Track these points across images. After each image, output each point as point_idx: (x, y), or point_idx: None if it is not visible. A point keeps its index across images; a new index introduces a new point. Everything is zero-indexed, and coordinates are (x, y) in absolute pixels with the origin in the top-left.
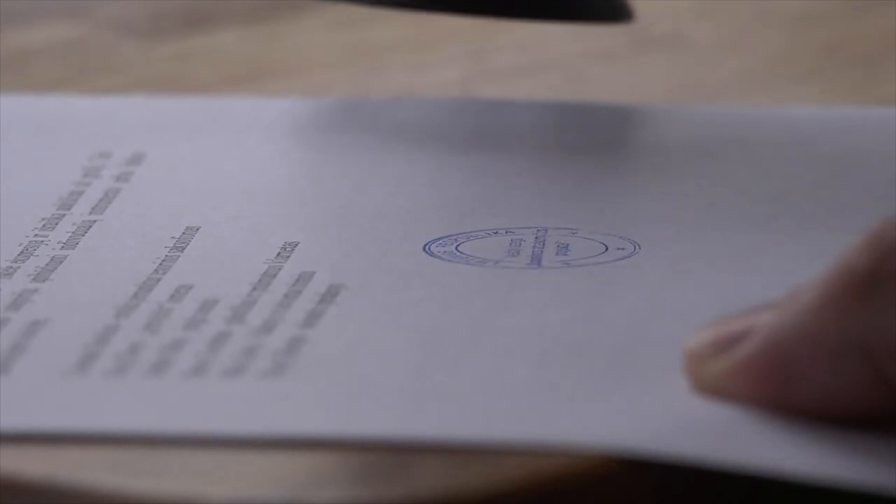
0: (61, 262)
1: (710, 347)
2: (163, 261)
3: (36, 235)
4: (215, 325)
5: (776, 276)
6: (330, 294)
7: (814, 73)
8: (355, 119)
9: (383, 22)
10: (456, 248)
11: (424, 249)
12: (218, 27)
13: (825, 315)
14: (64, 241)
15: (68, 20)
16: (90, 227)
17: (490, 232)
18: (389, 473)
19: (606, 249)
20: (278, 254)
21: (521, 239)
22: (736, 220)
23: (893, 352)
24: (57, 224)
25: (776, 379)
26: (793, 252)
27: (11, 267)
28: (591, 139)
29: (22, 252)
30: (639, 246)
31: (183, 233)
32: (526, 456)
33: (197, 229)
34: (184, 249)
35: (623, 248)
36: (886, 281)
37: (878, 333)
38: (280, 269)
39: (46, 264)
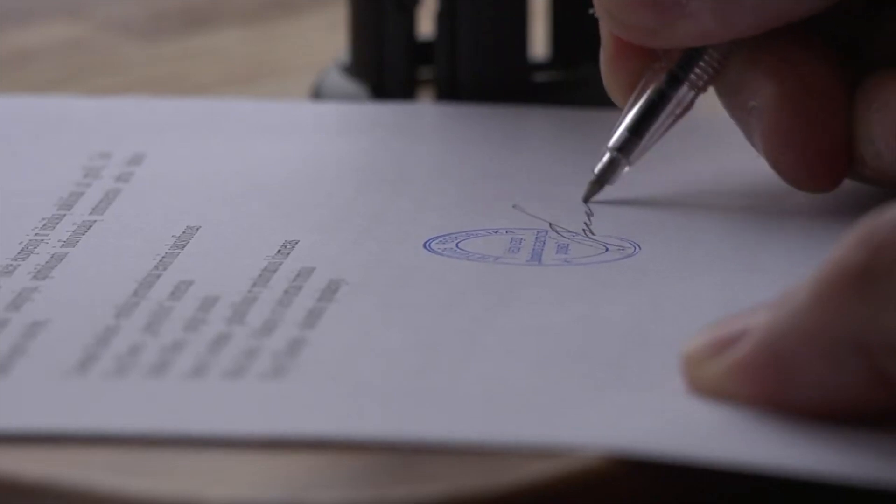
0: (62, 260)
1: (707, 350)
2: (163, 258)
3: (36, 235)
4: (215, 325)
5: (776, 275)
6: (330, 290)
7: None
8: (355, 120)
9: None
10: (456, 246)
11: (425, 246)
12: (218, 27)
13: (820, 312)
14: (64, 239)
15: (68, 20)
16: (90, 227)
17: (491, 231)
18: (389, 474)
19: (607, 250)
20: (278, 251)
21: (522, 238)
22: (736, 219)
23: (891, 347)
24: (57, 224)
25: (774, 378)
26: (793, 251)
27: (11, 265)
28: (591, 141)
29: (22, 250)
30: (639, 246)
31: (183, 232)
32: (526, 456)
33: (197, 229)
34: (184, 248)
35: (623, 249)
36: (881, 276)
37: (874, 329)
38: (280, 266)
39: (47, 262)
